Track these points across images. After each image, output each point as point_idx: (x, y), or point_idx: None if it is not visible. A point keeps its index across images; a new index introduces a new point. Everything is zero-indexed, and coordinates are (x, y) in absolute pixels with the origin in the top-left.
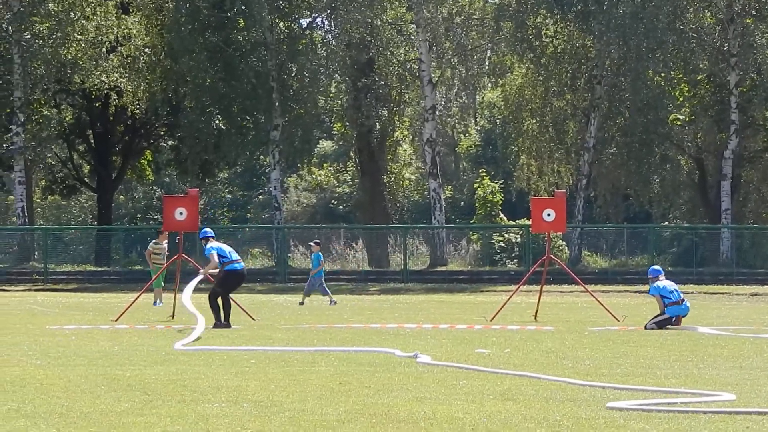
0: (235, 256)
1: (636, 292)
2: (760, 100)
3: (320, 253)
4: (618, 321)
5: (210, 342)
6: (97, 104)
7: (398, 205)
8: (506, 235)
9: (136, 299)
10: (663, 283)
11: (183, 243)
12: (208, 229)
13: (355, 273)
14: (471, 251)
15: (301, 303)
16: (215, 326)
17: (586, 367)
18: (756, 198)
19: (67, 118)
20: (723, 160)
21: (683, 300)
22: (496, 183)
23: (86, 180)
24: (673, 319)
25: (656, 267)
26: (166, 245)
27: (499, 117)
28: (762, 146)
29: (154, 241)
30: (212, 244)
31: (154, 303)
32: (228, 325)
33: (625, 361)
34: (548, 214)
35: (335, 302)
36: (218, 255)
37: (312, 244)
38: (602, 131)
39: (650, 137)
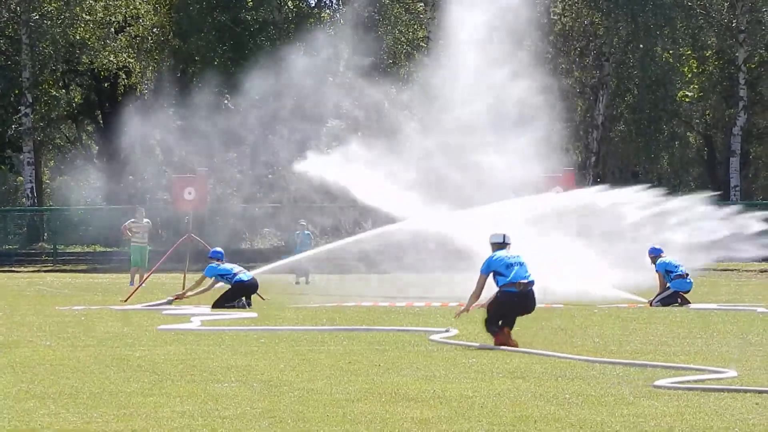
0: (237, 270)
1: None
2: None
3: (308, 232)
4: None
5: (219, 323)
6: (106, 84)
7: None
8: None
9: (145, 279)
10: (668, 259)
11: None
12: (218, 249)
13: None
14: None
15: (307, 282)
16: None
17: (595, 344)
18: (765, 174)
19: (75, 99)
20: (732, 136)
21: (687, 275)
22: None
23: (95, 160)
24: (679, 299)
25: (656, 246)
26: (145, 223)
27: None
28: None
29: (132, 219)
30: (214, 264)
31: (131, 283)
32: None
33: (634, 338)
34: (556, 192)
35: (298, 284)
36: (220, 275)
37: (303, 222)
38: (611, 108)
39: (659, 114)
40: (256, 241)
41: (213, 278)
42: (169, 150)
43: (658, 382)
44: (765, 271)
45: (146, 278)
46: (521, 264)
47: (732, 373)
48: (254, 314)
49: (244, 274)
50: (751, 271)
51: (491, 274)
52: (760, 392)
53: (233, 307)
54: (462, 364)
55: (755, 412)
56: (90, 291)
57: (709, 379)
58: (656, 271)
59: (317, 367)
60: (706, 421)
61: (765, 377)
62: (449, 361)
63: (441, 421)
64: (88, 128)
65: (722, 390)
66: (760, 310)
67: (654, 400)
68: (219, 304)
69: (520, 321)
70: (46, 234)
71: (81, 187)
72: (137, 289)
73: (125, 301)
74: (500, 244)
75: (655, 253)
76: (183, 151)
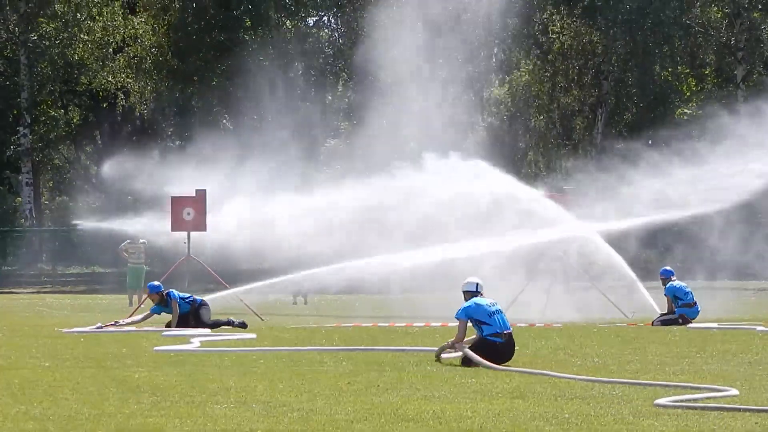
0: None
1: (648, 288)
2: (767, 95)
3: None
4: (627, 317)
5: (218, 344)
6: (104, 105)
7: None
8: None
9: (144, 300)
10: (678, 283)
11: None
12: (155, 283)
13: None
14: None
15: (305, 302)
16: (239, 325)
17: (594, 364)
18: None
19: (74, 119)
20: None
21: (695, 303)
22: None
23: (94, 180)
24: (680, 320)
25: (668, 268)
26: (141, 243)
27: (507, 113)
28: None
29: (128, 240)
30: (170, 291)
31: (130, 304)
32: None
33: (633, 357)
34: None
35: (296, 304)
36: (182, 299)
37: None
38: (609, 127)
39: (658, 132)
40: (256, 262)
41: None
42: (168, 170)
43: (658, 401)
44: (763, 289)
45: (145, 299)
46: (500, 312)
47: (733, 391)
48: (253, 335)
49: (199, 298)
50: (750, 290)
51: (470, 321)
52: (759, 411)
53: (232, 323)
54: (461, 384)
55: None
56: (89, 312)
57: (710, 398)
58: (665, 294)
59: (316, 387)
60: None
61: (765, 396)
62: (448, 381)
63: None
64: (87, 149)
65: (722, 409)
66: (759, 329)
67: (654, 420)
68: (213, 325)
69: (519, 341)
70: (45, 255)
71: (80, 207)
72: (136, 310)
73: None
74: (473, 293)
75: (665, 275)
76: (182, 171)
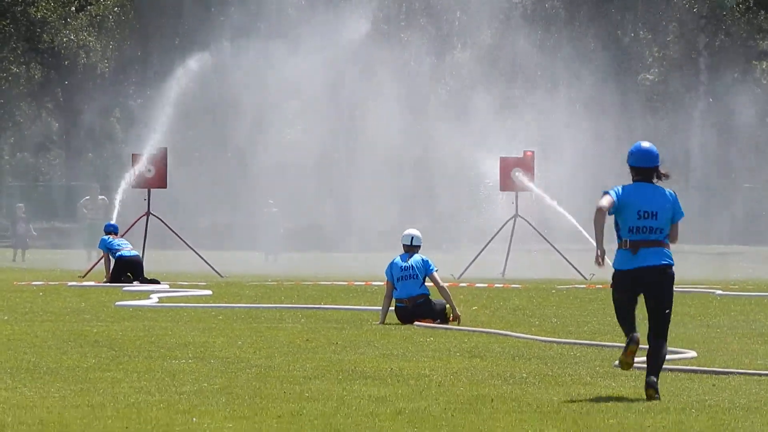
0: (123, 245)
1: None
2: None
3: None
4: (586, 279)
5: (177, 300)
6: (66, 62)
7: None
8: None
9: (102, 257)
10: None
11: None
12: (111, 222)
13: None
14: None
15: (275, 260)
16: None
17: (553, 324)
18: None
19: (35, 76)
20: (692, 120)
21: None
22: None
23: (55, 137)
24: None
25: None
26: (100, 200)
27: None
28: None
29: (87, 197)
30: (107, 238)
31: (88, 260)
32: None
33: (592, 318)
34: (516, 176)
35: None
36: (108, 248)
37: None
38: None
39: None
40: (216, 218)
41: (106, 252)
42: (129, 127)
43: (617, 363)
44: (722, 254)
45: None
46: (411, 277)
47: (692, 353)
48: (209, 291)
49: (127, 251)
50: (709, 254)
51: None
52: (716, 373)
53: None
54: (419, 343)
55: (712, 394)
56: (49, 267)
57: (668, 360)
58: None
59: (275, 344)
60: (663, 402)
61: (722, 359)
62: (407, 340)
63: (398, 398)
64: (48, 106)
65: (679, 370)
66: (718, 292)
67: (611, 381)
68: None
69: (478, 300)
70: (4, 210)
71: (40, 163)
72: (94, 266)
73: (83, 277)
74: (407, 246)
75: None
76: (143, 128)
